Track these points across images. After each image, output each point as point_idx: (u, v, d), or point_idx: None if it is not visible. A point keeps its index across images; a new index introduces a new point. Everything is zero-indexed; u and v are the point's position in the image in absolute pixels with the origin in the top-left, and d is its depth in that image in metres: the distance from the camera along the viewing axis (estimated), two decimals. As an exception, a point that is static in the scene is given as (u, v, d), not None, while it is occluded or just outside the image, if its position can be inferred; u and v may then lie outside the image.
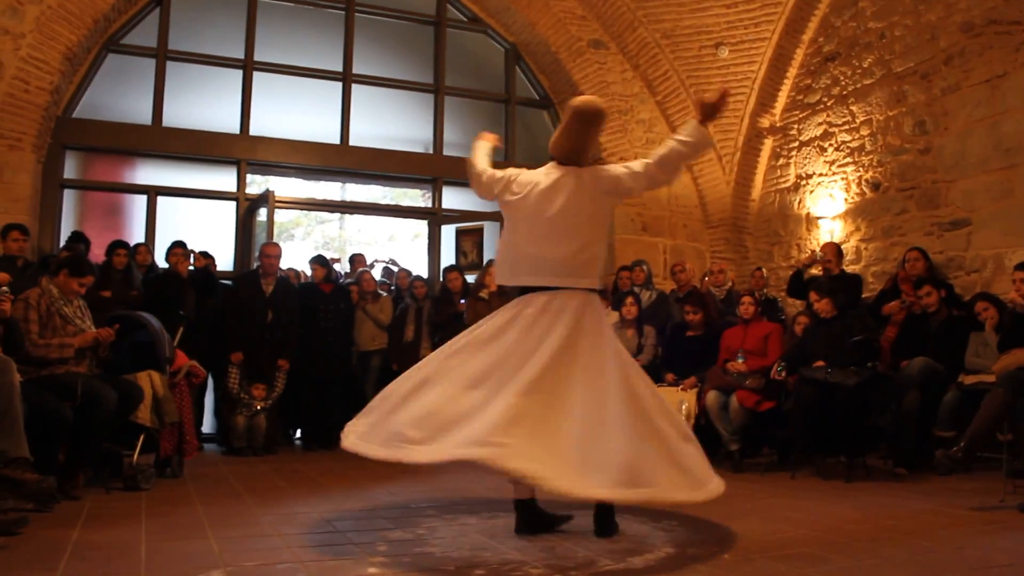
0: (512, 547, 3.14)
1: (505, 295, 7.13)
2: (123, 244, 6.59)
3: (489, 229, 8.78)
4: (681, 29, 8.84)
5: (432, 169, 9.19)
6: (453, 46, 9.42)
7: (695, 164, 9.30)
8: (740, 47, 8.68)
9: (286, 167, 8.78)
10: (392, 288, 8.19)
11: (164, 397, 4.84)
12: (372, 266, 8.49)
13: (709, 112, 3.37)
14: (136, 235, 7.85)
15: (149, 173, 8.28)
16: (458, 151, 9.17)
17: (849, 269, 7.46)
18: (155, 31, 8.15)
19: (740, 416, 5.72)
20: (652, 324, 6.85)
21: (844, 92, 8.07)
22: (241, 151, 8.38)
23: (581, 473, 2.90)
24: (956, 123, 6.85)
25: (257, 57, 8.54)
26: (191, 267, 6.72)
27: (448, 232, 9.09)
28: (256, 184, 9.01)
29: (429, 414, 3.10)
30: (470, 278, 7.66)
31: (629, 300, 6.79)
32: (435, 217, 9.23)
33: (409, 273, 8.16)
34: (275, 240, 7.55)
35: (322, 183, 12.19)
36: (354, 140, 8.85)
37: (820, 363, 5.41)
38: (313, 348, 6.96)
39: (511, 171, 3.55)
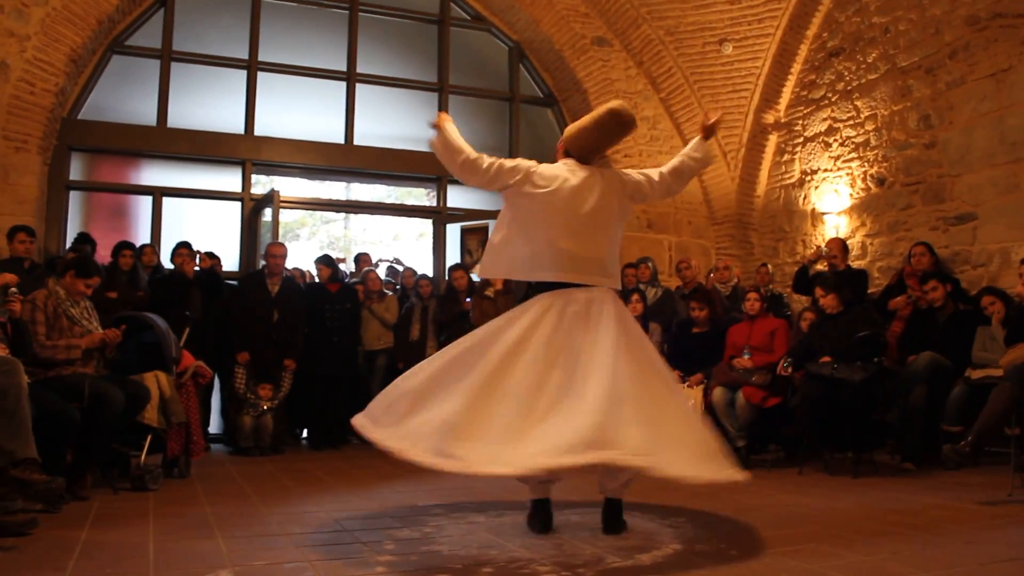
0: (519, 545, 3.14)
1: (510, 292, 7.18)
2: (129, 245, 6.61)
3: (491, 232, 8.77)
4: (685, 26, 8.82)
5: (437, 168, 9.03)
6: (457, 45, 9.42)
7: (700, 161, 9.28)
8: (744, 43, 8.66)
9: (291, 167, 8.80)
10: (397, 287, 8.19)
11: (171, 397, 4.86)
12: (377, 265, 8.50)
13: (710, 131, 3.66)
14: (142, 236, 7.88)
15: (154, 174, 8.29)
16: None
17: (855, 264, 7.45)
18: (159, 32, 8.17)
19: (746, 412, 5.71)
20: (658, 321, 6.85)
21: (848, 87, 8.05)
22: (246, 151, 8.39)
23: (698, 459, 3.04)
24: (961, 117, 6.83)
25: (261, 57, 8.55)
26: (197, 268, 6.73)
27: (453, 231, 9.09)
28: (261, 184, 9.02)
29: (509, 426, 2.98)
30: (475, 277, 7.67)
31: (635, 297, 6.79)
32: (440, 216, 9.23)
33: (414, 272, 8.17)
34: (280, 240, 7.55)
35: (327, 183, 12.22)
36: (358, 139, 8.85)
37: (826, 359, 5.40)
38: (319, 348, 6.96)
39: (523, 162, 3.45)
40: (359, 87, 8.93)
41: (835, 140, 8.23)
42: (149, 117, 8.09)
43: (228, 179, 8.46)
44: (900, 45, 7.42)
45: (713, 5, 8.55)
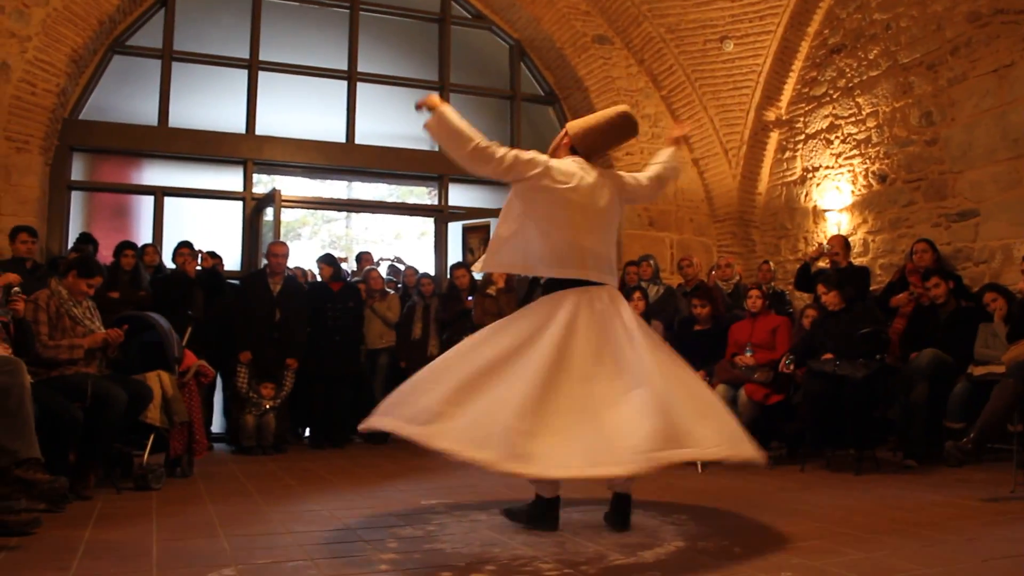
0: (522, 543, 3.14)
1: (512, 290, 7.18)
2: (131, 245, 6.62)
3: (495, 226, 8.76)
4: (686, 23, 8.82)
5: (438, 166, 9.18)
6: (458, 43, 9.41)
7: (701, 159, 9.29)
8: (745, 40, 8.65)
9: (292, 166, 8.80)
10: (399, 286, 8.20)
11: (173, 397, 4.86)
12: (378, 264, 8.50)
13: (679, 143, 3.84)
14: (143, 236, 7.89)
15: (156, 174, 8.31)
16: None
17: (856, 261, 7.45)
18: (160, 32, 8.18)
19: (749, 410, 5.71)
20: (660, 319, 6.84)
21: (850, 84, 8.04)
22: (247, 151, 8.40)
23: (735, 441, 3.11)
24: (963, 114, 6.82)
25: (262, 57, 8.56)
26: (198, 267, 6.74)
27: (455, 229, 9.10)
28: (262, 184, 9.03)
29: (582, 424, 2.95)
30: (477, 275, 7.67)
31: (636, 295, 6.78)
32: (441, 214, 9.23)
33: (416, 271, 8.17)
34: (282, 239, 7.56)
35: (328, 182, 12.22)
36: (360, 138, 8.85)
37: (828, 356, 5.40)
38: (322, 347, 6.97)
39: (539, 154, 3.36)
40: (360, 86, 8.93)
41: (836, 137, 8.23)
42: (150, 117, 8.10)
43: (229, 178, 8.47)
44: (901, 41, 7.41)
45: (714, 2, 8.54)
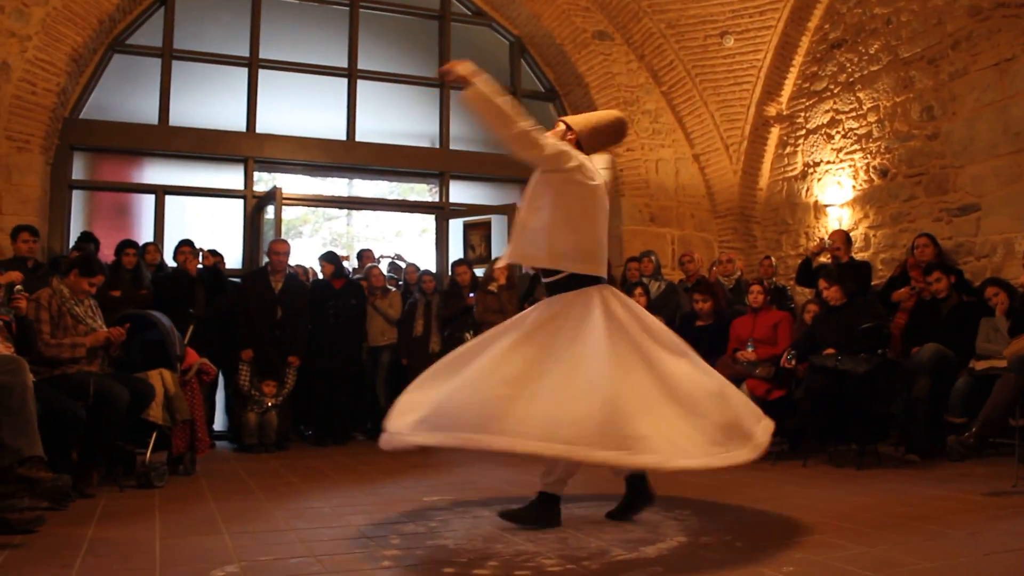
0: (525, 538, 3.15)
1: (513, 287, 7.18)
2: (132, 243, 6.62)
3: (496, 223, 8.78)
4: (686, 19, 8.80)
5: (439, 164, 9.18)
6: (458, 40, 9.40)
7: (702, 154, 9.28)
8: (745, 35, 8.64)
9: (293, 164, 8.80)
10: (401, 283, 8.20)
11: (176, 395, 4.87)
12: (379, 261, 8.50)
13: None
14: (145, 234, 7.89)
15: (156, 172, 8.31)
16: (465, 145, 9.17)
17: (858, 256, 7.44)
18: (160, 31, 8.17)
19: (750, 405, 5.70)
20: (661, 315, 6.81)
21: (851, 79, 8.02)
22: (248, 149, 8.39)
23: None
24: (964, 108, 6.81)
25: (262, 55, 8.55)
26: (200, 265, 6.75)
27: (456, 226, 9.09)
28: (263, 182, 9.03)
29: (662, 416, 2.97)
30: (479, 272, 7.68)
31: (638, 291, 6.78)
32: (442, 211, 9.23)
33: (417, 268, 8.17)
34: (283, 237, 7.56)
35: (329, 179, 12.18)
36: (360, 136, 8.85)
37: (830, 351, 5.40)
38: (324, 344, 6.97)
39: (570, 147, 3.31)
40: (360, 83, 8.93)
41: (837, 132, 8.22)
42: (151, 116, 8.10)
43: (230, 176, 8.47)
44: (902, 36, 7.40)
45: (714, -2, 8.53)
